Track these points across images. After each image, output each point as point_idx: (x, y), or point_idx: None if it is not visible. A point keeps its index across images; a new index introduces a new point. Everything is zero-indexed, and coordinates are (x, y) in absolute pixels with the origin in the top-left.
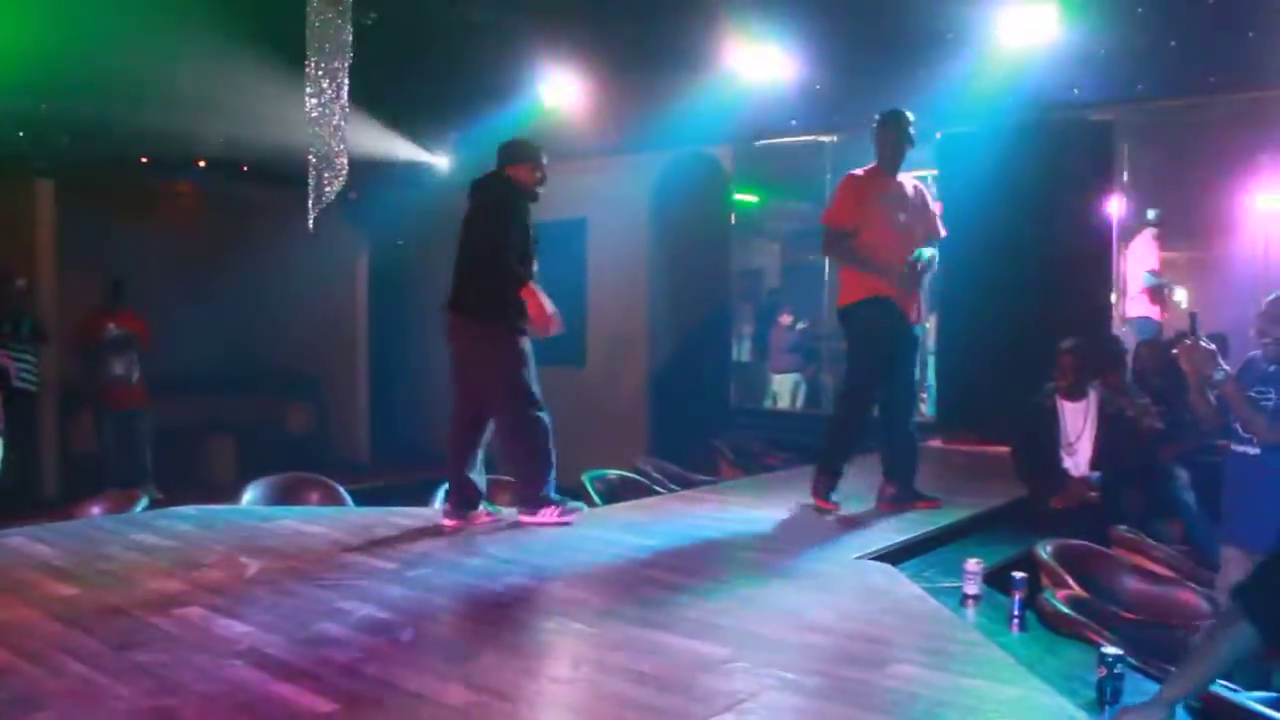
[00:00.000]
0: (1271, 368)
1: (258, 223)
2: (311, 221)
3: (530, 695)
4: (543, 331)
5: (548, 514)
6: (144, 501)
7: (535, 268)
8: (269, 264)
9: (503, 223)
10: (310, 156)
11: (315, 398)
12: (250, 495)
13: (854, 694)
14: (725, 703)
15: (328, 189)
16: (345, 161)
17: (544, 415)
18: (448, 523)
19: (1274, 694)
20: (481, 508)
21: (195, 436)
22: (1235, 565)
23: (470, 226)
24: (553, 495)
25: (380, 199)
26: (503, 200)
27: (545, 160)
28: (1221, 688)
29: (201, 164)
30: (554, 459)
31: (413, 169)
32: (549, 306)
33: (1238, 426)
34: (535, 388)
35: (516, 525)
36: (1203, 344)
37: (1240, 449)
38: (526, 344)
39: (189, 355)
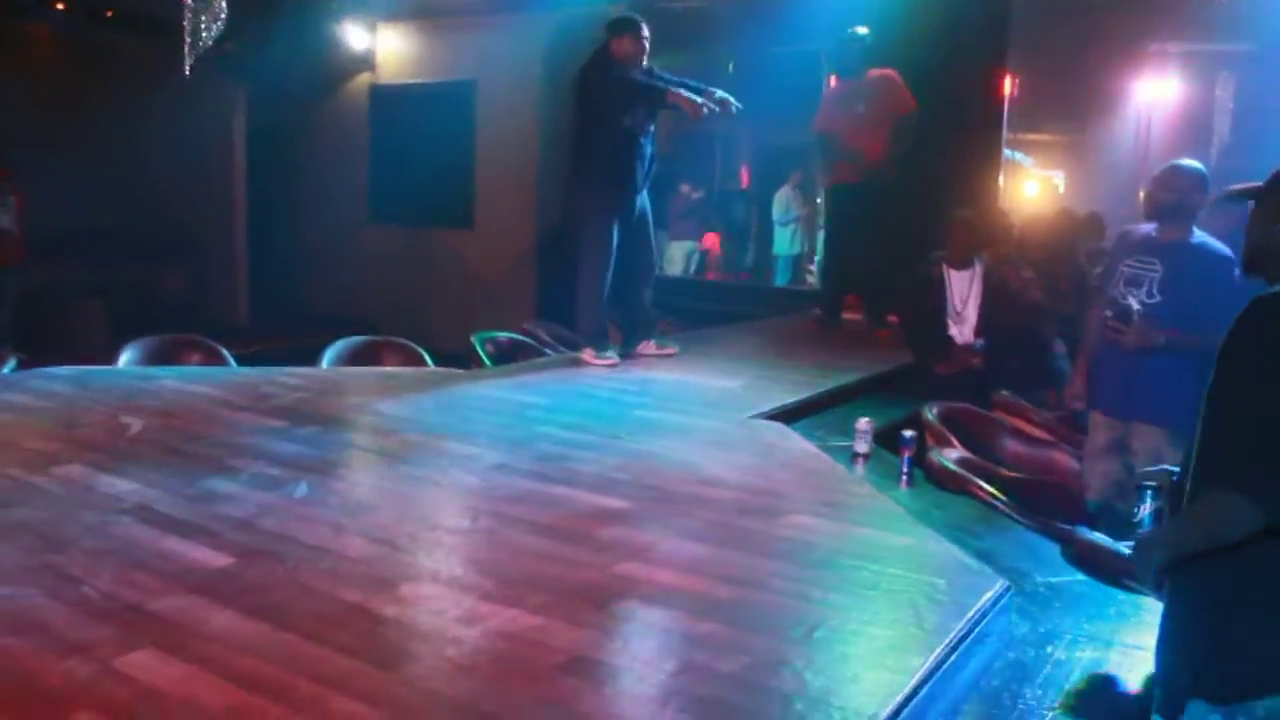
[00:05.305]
0: (1154, 237)
1: (126, 73)
2: (188, 68)
3: (429, 546)
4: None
5: (587, 355)
6: (12, 362)
7: (641, 118)
8: (140, 118)
9: (581, 97)
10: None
11: (190, 259)
12: (127, 356)
13: (753, 543)
14: (628, 551)
15: (205, 35)
16: (224, 6)
17: (602, 273)
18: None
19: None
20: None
21: (60, 300)
22: (1102, 430)
23: None
24: (596, 341)
25: (261, 51)
26: (583, 75)
27: (645, 31)
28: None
29: (60, 6)
30: (600, 310)
31: (295, 21)
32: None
33: (1116, 295)
34: (603, 242)
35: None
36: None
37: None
38: (602, 203)
39: (50, 215)
